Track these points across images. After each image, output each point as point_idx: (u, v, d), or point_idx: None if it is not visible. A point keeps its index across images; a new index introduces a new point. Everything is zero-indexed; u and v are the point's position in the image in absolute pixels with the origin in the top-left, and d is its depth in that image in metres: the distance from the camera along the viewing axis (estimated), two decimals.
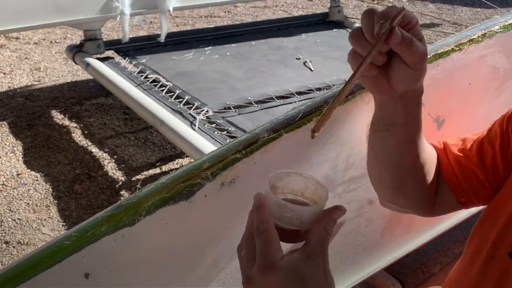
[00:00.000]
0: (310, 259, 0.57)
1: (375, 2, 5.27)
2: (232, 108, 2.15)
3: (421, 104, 0.72)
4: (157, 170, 2.52)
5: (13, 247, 2.03)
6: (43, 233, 2.11)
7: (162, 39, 2.74)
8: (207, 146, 1.80)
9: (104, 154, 2.63)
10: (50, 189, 2.36)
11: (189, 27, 4.40)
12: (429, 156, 0.79)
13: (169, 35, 2.84)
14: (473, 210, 1.17)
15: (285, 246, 0.61)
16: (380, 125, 0.75)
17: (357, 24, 3.31)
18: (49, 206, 2.26)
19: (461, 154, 0.80)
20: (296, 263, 0.56)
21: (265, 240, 0.57)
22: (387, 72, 0.67)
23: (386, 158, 0.77)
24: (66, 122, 2.91)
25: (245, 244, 0.60)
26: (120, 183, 2.43)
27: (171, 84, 2.39)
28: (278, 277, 0.55)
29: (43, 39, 4.04)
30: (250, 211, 0.62)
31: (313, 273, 0.56)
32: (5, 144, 2.67)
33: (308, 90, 2.34)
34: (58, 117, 2.96)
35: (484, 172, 0.77)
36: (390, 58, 0.66)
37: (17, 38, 4.02)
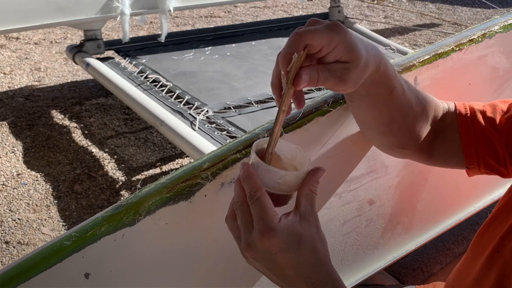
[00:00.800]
0: (304, 218, 0.62)
1: (375, 2, 5.27)
2: (232, 108, 2.15)
3: (386, 76, 0.68)
4: (157, 170, 2.52)
5: (13, 247, 2.03)
6: (43, 233, 2.11)
7: (162, 39, 2.74)
8: (207, 146, 1.80)
9: (104, 154, 2.63)
10: (50, 189, 2.36)
11: (189, 27, 4.40)
12: (416, 109, 0.77)
13: (169, 35, 2.83)
14: (472, 209, 1.17)
15: None
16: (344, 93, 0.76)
17: (357, 25, 3.30)
18: (49, 206, 2.26)
19: (487, 125, 0.78)
20: (292, 224, 0.61)
21: (261, 207, 0.60)
22: None
23: (359, 117, 0.80)
24: (66, 122, 2.91)
25: (239, 213, 0.63)
26: (120, 183, 2.43)
27: (171, 84, 2.39)
28: (279, 238, 0.60)
29: (43, 39, 4.04)
30: (236, 180, 0.64)
31: (308, 231, 0.62)
32: (5, 144, 2.67)
33: (308, 90, 2.33)
34: (58, 117, 2.96)
35: (507, 152, 0.76)
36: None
37: (17, 38, 4.02)
